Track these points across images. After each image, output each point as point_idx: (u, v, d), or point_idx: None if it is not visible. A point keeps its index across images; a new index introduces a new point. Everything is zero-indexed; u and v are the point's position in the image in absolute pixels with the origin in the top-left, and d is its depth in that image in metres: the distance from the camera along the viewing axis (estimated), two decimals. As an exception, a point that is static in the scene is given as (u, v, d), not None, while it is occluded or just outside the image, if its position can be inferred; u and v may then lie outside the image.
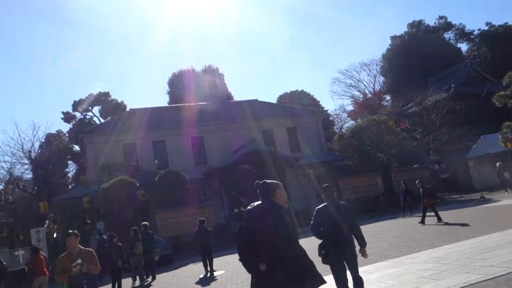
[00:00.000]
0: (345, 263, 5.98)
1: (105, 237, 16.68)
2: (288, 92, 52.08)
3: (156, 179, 25.71)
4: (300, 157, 33.61)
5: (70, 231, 6.18)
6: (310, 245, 5.93)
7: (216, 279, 12.54)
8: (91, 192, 26.76)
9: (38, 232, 22.11)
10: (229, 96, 48.00)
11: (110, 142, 30.87)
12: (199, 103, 39.71)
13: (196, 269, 15.75)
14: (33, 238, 21.93)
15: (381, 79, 55.13)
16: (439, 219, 16.12)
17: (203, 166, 31.92)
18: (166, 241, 21.15)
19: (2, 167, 32.76)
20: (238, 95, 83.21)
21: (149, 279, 15.02)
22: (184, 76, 50.56)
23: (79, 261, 5.95)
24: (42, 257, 12.89)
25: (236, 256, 4.46)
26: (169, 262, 19.41)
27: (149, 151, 32.07)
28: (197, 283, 12.46)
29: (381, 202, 28.10)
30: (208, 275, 13.84)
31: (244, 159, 28.29)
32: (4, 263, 12.54)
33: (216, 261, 16.78)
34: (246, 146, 30.87)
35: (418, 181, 18.41)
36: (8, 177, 32.54)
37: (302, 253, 3.99)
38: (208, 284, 11.91)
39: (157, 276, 15.76)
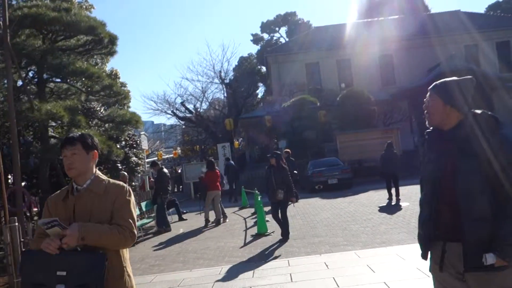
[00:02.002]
0: None
1: (232, 163, 16.84)
2: (501, 0, 43.31)
3: (338, 98, 24.17)
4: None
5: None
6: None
7: (401, 209, 10.78)
8: (273, 112, 26.80)
9: (224, 147, 23.09)
10: (425, 8, 42.27)
11: (293, 61, 30.24)
12: (390, 17, 35.76)
13: (376, 197, 14.15)
14: (220, 152, 23.03)
15: None
16: None
17: (391, 86, 29.07)
18: (346, 164, 19.82)
19: (197, 87, 35.30)
20: (438, 7, 73.87)
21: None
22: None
23: None
24: (217, 172, 12.86)
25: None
26: (348, 187, 18.17)
27: (333, 71, 30.45)
28: (378, 211, 10.91)
29: None
30: (393, 203, 12.29)
31: (440, 78, 24.33)
32: (168, 175, 12.85)
33: (401, 191, 14.88)
34: (443, 64, 26.67)
35: None
36: (203, 96, 34.92)
37: None
38: (391, 213, 10.26)
39: (333, 201, 14.70)
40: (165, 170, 12.40)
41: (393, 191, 12.70)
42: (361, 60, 29.79)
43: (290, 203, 9.26)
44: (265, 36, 50.80)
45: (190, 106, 34.45)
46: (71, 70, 10.03)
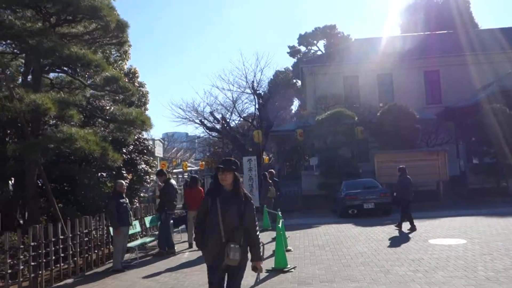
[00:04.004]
0: None
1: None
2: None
3: (379, 113, 21.93)
4: None
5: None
6: None
7: (458, 249, 8.50)
8: (307, 125, 24.80)
9: (250, 161, 21.19)
10: (474, 24, 39.55)
11: (330, 74, 28.20)
12: (437, 32, 33.32)
13: (422, 228, 11.86)
14: (245, 166, 21.14)
15: None
16: None
17: (437, 105, 26.54)
18: (385, 187, 17.55)
19: (228, 97, 33.70)
20: (487, 24, 70.52)
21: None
22: (419, 4, 43.69)
23: None
24: (200, 189, 11.07)
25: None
26: (387, 213, 15.87)
27: (373, 85, 28.16)
28: (427, 248, 8.69)
29: None
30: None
31: (493, 98, 22.03)
32: (176, 187, 11.11)
33: (450, 223, 12.56)
34: (497, 83, 24.13)
35: None
36: (233, 106, 33.24)
37: None
38: (447, 253, 8.05)
39: (369, 230, 12.53)
40: (173, 181, 10.61)
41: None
42: (403, 75, 27.51)
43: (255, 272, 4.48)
44: (302, 48, 49.02)
45: (219, 116, 32.85)
46: (64, 55, 8.43)
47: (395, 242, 10.07)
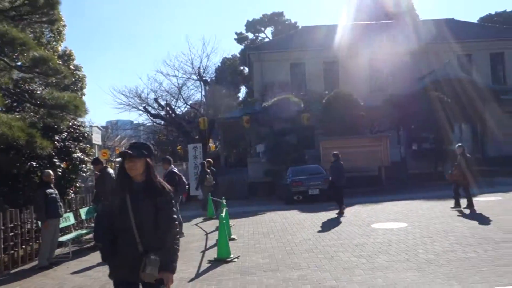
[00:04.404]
0: None
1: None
2: (493, 13, 42.09)
3: (324, 100, 22.05)
4: (505, 90, 26.35)
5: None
6: None
7: (398, 233, 8.56)
8: (254, 112, 24.56)
9: (196, 148, 20.74)
10: (414, 15, 40.76)
11: (277, 60, 28.14)
12: (382, 22, 33.99)
13: (365, 213, 11.98)
14: (190, 153, 20.68)
15: None
16: None
17: (381, 92, 27.10)
18: (329, 173, 17.65)
19: (173, 84, 32.86)
20: (428, 15, 72.95)
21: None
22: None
23: None
24: None
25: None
26: (331, 199, 15.96)
27: (319, 73, 28.36)
28: (371, 233, 8.70)
29: None
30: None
31: (432, 87, 22.83)
32: (113, 176, 10.54)
33: (394, 207, 12.79)
34: (437, 72, 24.99)
35: None
36: (178, 93, 32.44)
37: None
38: (389, 237, 8.06)
39: (314, 216, 12.51)
40: (110, 170, 9.99)
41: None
42: (349, 63, 27.87)
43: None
44: (250, 35, 48.62)
45: (164, 103, 31.95)
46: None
47: (339, 227, 10.06)
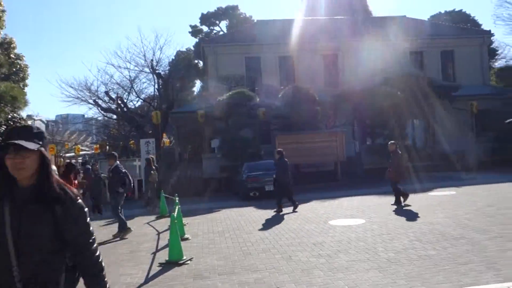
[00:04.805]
0: None
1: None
2: (442, 12, 43.37)
3: (280, 95, 21.83)
4: (455, 87, 27.12)
5: None
6: None
7: (359, 229, 8.36)
8: (208, 106, 23.98)
9: (148, 143, 19.97)
10: (367, 12, 41.36)
11: (232, 54, 27.69)
12: (335, 17, 34.17)
13: (322, 210, 11.79)
14: (142, 149, 19.89)
15: None
16: None
17: (335, 88, 27.24)
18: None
19: (125, 76, 31.63)
20: (380, 12, 74.51)
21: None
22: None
23: None
24: (71, 178, 10.09)
25: None
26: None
27: (274, 67, 28.16)
28: (328, 230, 8.46)
29: None
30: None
31: (386, 82, 23.17)
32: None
33: (347, 202, 12.69)
34: (390, 68, 25.33)
35: None
36: (130, 86, 31.29)
37: None
38: (347, 235, 7.82)
39: (271, 213, 12.20)
40: (53, 167, 9.22)
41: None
42: (304, 58, 27.81)
43: None
44: (205, 28, 47.74)
45: (115, 96, 30.69)
46: None
47: (296, 225, 9.79)
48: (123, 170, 10.08)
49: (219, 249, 7.86)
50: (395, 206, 11.44)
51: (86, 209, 2.22)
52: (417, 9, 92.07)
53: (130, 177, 10.33)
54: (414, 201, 11.81)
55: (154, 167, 15.08)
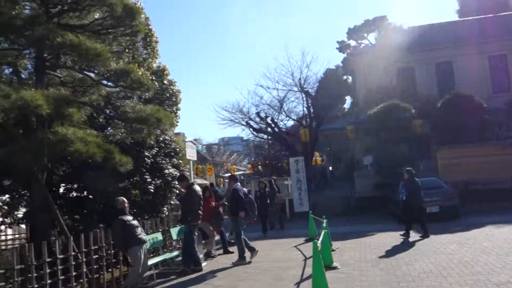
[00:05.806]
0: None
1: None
2: None
3: (439, 105, 19.56)
4: None
5: None
6: None
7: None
8: (358, 121, 22.77)
9: (297, 162, 19.53)
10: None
11: (383, 66, 25.95)
12: (499, 14, 30.04)
13: (502, 236, 9.68)
14: (292, 168, 19.52)
15: None
16: None
17: (506, 93, 23.66)
18: (451, 188, 15.30)
19: (274, 97, 32.00)
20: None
21: None
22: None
23: None
24: (209, 199, 10.07)
25: None
26: (454, 218, 13.66)
27: (430, 75, 25.66)
28: None
29: None
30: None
31: None
32: (200, 194, 9.54)
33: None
34: None
35: None
36: (280, 106, 31.55)
37: None
38: None
39: (435, 239, 10.49)
40: (197, 187, 9.16)
41: None
42: (465, 62, 24.82)
43: None
44: (352, 43, 46.53)
45: (265, 117, 31.27)
46: (56, 43, 7.23)
47: (469, 256, 8.06)
48: (243, 190, 9.82)
49: (371, 283, 6.71)
50: None
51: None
52: None
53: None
54: None
55: (276, 189, 15.92)
